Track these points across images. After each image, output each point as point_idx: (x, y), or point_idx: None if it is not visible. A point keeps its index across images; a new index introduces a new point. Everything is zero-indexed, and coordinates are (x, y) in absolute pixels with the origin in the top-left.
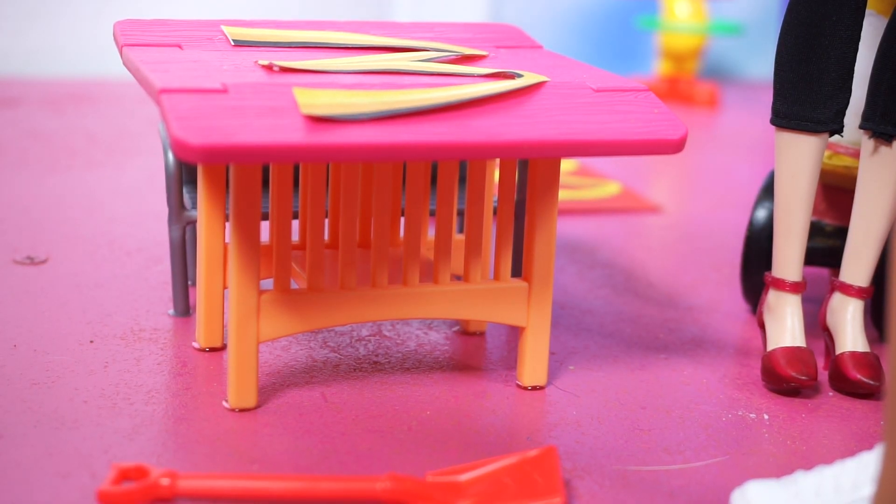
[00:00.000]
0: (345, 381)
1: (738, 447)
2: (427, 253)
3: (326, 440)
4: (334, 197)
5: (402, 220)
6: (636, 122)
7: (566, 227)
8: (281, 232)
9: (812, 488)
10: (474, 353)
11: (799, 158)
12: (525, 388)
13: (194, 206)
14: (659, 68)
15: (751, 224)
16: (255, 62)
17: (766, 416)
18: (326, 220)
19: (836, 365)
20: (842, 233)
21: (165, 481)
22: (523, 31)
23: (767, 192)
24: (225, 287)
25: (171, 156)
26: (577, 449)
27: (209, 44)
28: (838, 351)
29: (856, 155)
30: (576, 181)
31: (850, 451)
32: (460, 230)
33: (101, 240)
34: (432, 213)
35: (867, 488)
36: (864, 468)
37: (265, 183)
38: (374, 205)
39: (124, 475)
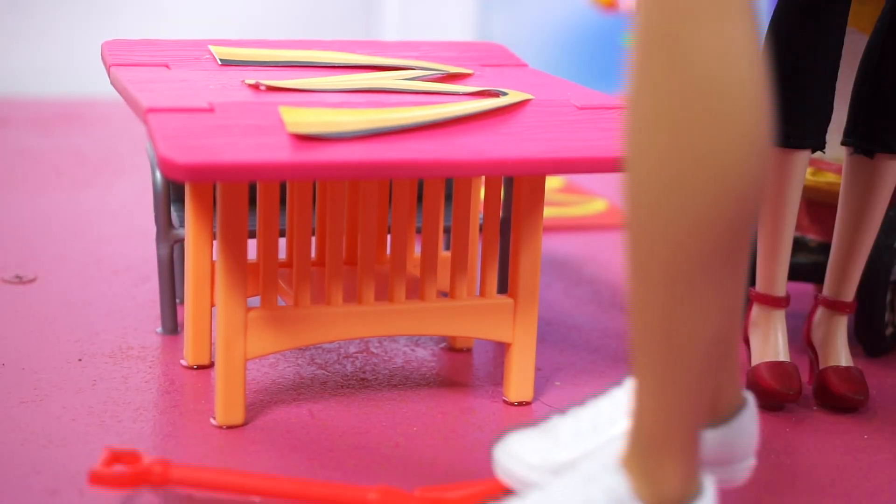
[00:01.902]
0: (332, 397)
1: None
2: (413, 270)
3: (314, 456)
4: (321, 215)
5: (389, 237)
6: (620, 140)
7: (553, 244)
8: (268, 249)
9: (570, 431)
10: (461, 369)
11: (782, 174)
12: (511, 404)
13: (182, 224)
14: None
15: None
16: (242, 81)
17: None
18: (313, 238)
19: (820, 379)
20: (825, 248)
21: (158, 468)
22: (508, 50)
23: None
24: (212, 305)
25: (158, 174)
26: None
27: (196, 63)
28: (822, 365)
29: (838, 171)
30: (562, 198)
31: (834, 465)
32: (446, 247)
33: (90, 258)
34: (418, 231)
35: (623, 422)
36: (617, 404)
37: (252, 201)
38: (360, 222)
39: (116, 458)
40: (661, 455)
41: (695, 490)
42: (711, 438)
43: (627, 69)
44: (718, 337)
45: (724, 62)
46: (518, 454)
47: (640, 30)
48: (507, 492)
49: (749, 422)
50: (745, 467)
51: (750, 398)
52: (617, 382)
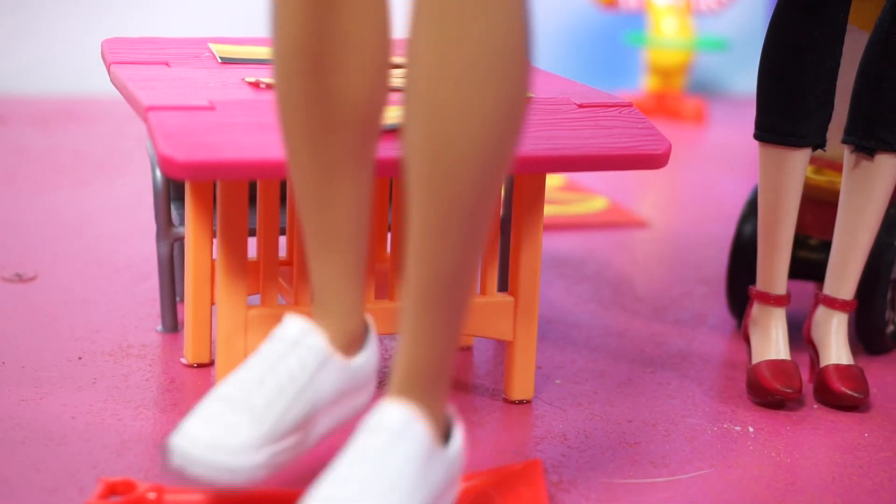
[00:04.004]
0: None
1: (723, 460)
2: None
3: (312, 455)
4: None
5: (389, 235)
6: (620, 137)
7: (553, 242)
8: (268, 248)
9: (260, 399)
10: (462, 367)
11: (782, 173)
12: (512, 402)
13: (182, 222)
14: (646, 84)
15: (736, 238)
16: (242, 79)
17: (751, 429)
18: None
19: (820, 378)
20: (826, 246)
21: (152, 495)
22: None
23: (752, 206)
24: (213, 303)
25: (158, 173)
26: (564, 462)
27: (196, 61)
28: (823, 364)
29: (839, 169)
30: (563, 196)
31: (834, 463)
32: None
33: (90, 257)
34: None
35: (299, 371)
36: (267, 357)
37: (252, 199)
38: None
39: (111, 489)
40: (439, 388)
41: (450, 415)
42: (355, 367)
43: (415, 8)
44: (476, 271)
45: (515, 5)
46: (221, 441)
47: None
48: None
49: (375, 343)
50: (370, 392)
51: (370, 319)
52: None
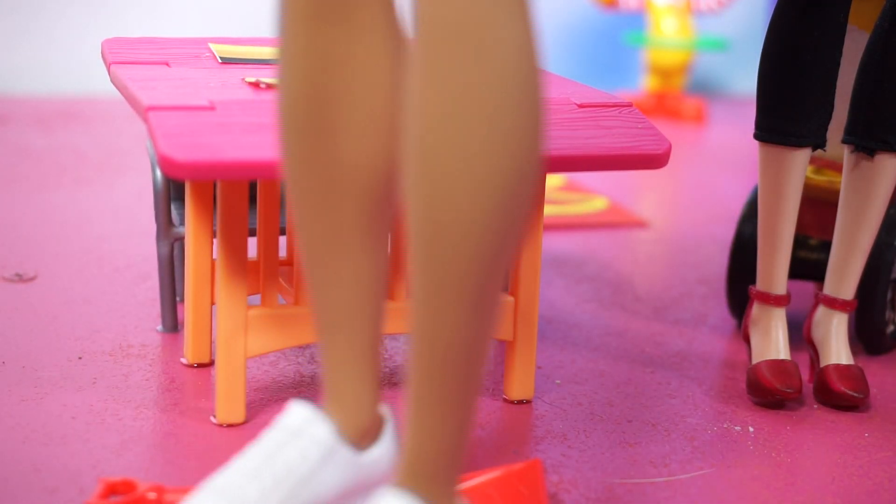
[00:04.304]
0: None
1: (724, 460)
2: None
3: None
4: None
5: (389, 235)
6: (620, 137)
7: (553, 242)
8: (268, 247)
9: (253, 492)
10: None
11: (782, 173)
12: (512, 402)
13: (182, 222)
14: (646, 84)
15: (736, 238)
16: (242, 79)
17: (751, 429)
18: None
19: (820, 377)
20: (826, 246)
21: (152, 495)
22: None
23: (752, 206)
24: (213, 303)
25: (158, 173)
26: (564, 462)
27: (196, 61)
28: (823, 364)
29: (839, 169)
30: (563, 196)
31: (834, 463)
32: None
33: (90, 256)
34: None
35: (295, 462)
36: (266, 446)
37: (252, 199)
38: None
39: (111, 489)
40: (452, 478)
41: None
42: (366, 462)
43: (414, 61)
44: (489, 344)
45: (522, 55)
46: None
47: (434, 23)
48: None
49: (392, 437)
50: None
51: (387, 411)
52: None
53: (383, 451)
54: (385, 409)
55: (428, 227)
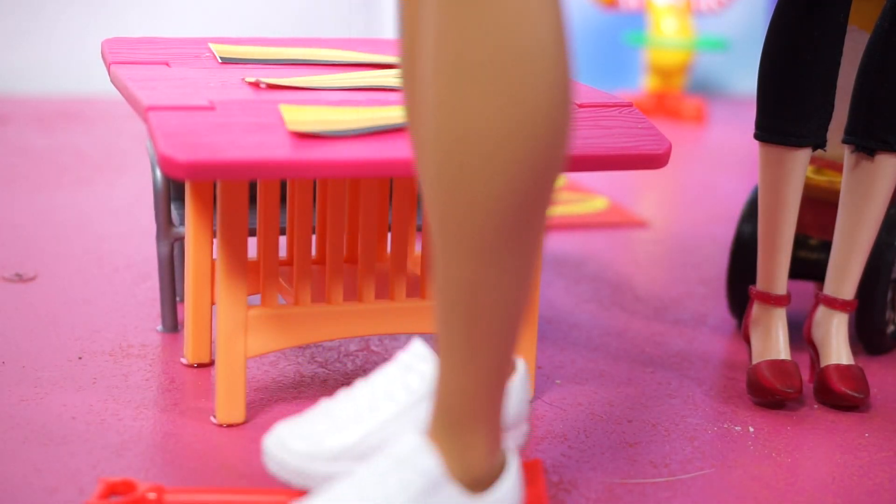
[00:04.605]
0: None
1: (724, 460)
2: (414, 268)
3: None
4: (321, 213)
5: (389, 235)
6: (620, 137)
7: (553, 242)
8: (268, 248)
9: (347, 412)
10: None
11: (782, 173)
12: None
13: (182, 222)
14: (646, 84)
15: (736, 238)
16: (242, 79)
17: (751, 429)
18: (313, 236)
19: (820, 378)
20: (826, 246)
21: (152, 496)
22: None
23: (753, 206)
24: (213, 303)
25: (158, 172)
26: (564, 462)
27: (196, 61)
28: (823, 364)
29: (839, 169)
30: (563, 196)
31: (835, 463)
32: None
33: (90, 256)
34: (419, 229)
35: (402, 396)
36: (392, 381)
37: (252, 199)
38: (360, 220)
39: (111, 489)
40: (471, 430)
41: (501, 462)
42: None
43: (430, 29)
44: (520, 306)
45: (523, 20)
46: (290, 444)
47: None
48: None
49: (521, 387)
50: (521, 434)
51: (521, 364)
52: (389, 359)
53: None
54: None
55: (446, 175)
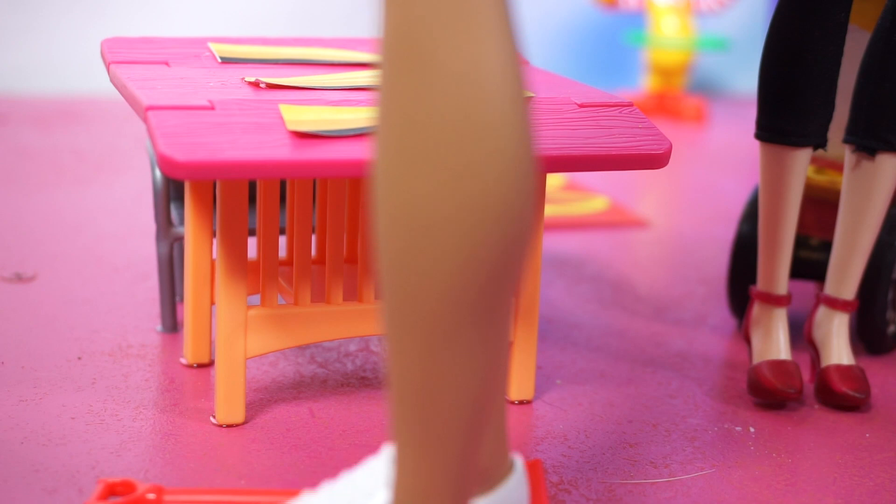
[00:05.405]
0: (332, 396)
1: (724, 460)
2: None
3: (314, 455)
4: (321, 212)
5: None
6: (621, 137)
7: (554, 242)
8: (268, 248)
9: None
10: None
11: (783, 172)
12: (512, 402)
13: (182, 222)
14: (646, 83)
15: (737, 238)
16: (242, 79)
17: (752, 429)
18: (313, 236)
19: (821, 378)
20: (827, 246)
21: (151, 496)
22: None
23: (753, 206)
24: (212, 303)
25: (158, 172)
26: (564, 462)
27: (196, 61)
28: (824, 364)
29: (840, 169)
30: (563, 196)
31: (835, 464)
32: None
33: (90, 257)
34: None
35: (381, 494)
36: (373, 475)
37: (252, 199)
38: (360, 220)
39: (111, 490)
40: None
41: None
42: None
43: (375, 83)
44: (482, 398)
45: (470, 80)
46: None
47: (386, 42)
48: None
49: (518, 488)
50: None
51: (518, 462)
52: (373, 453)
53: (497, 500)
54: (515, 459)
55: (391, 247)
